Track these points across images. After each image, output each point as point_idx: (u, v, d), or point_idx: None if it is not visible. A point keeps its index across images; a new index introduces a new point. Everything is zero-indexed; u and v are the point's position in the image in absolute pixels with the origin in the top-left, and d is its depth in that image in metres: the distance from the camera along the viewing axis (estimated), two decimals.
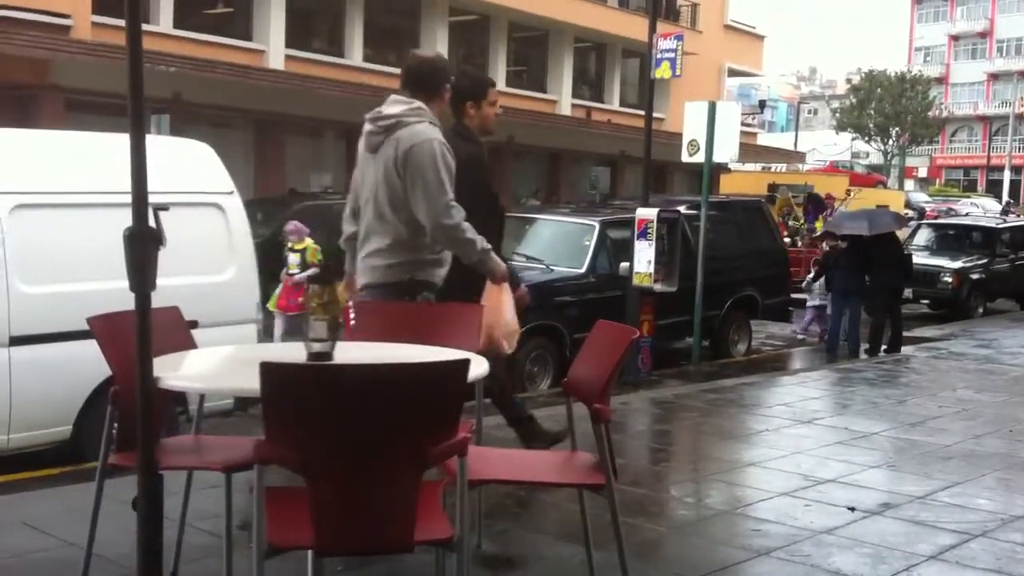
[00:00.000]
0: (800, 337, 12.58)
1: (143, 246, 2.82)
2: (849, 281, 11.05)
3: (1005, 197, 46.48)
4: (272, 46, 20.76)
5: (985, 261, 16.09)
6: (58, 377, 5.36)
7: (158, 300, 2.92)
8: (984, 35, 67.28)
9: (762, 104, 40.26)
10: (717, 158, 10.15)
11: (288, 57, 20.93)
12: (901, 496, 5.01)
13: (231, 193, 6.37)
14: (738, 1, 33.06)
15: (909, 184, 57.41)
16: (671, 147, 13.02)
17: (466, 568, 2.67)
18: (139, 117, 2.83)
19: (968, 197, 45.49)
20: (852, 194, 26.11)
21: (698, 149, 10.07)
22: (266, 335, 7.66)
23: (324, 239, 10.75)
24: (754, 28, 34.42)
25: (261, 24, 20.93)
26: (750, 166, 33.06)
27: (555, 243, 9.64)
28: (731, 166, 25.11)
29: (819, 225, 20.24)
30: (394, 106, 4.10)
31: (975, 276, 15.63)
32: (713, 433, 6.73)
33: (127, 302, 2.87)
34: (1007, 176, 50.21)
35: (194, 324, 3.98)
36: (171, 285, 3.48)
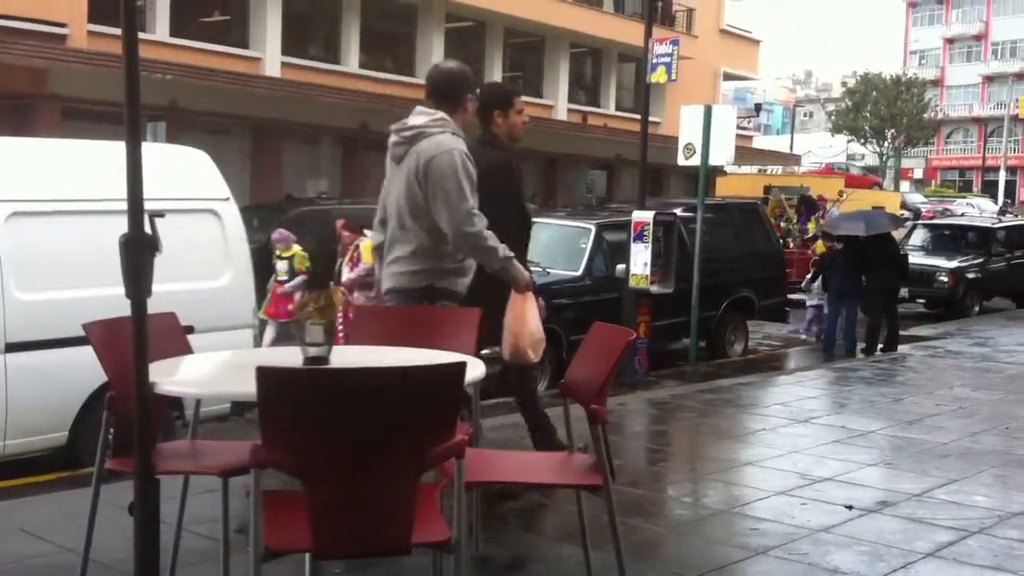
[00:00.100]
0: (803, 337, 12.57)
1: (139, 252, 2.83)
2: (845, 281, 11.07)
3: (1001, 198, 46.57)
4: (268, 53, 20.79)
5: (981, 260, 16.11)
6: (54, 383, 5.36)
7: (154, 306, 2.93)
8: (979, 38, 67.40)
9: (758, 107, 40.39)
10: (713, 161, 10.18)
11: (284, 64, 20.96)
12: (898, 494, 5.02)
13: (227, 199, 6.38)
14: (733, 5, 33.14)
15: (905, 186, 57.46)
16: (667, 151, 13.05)
17: (464, 570, 2.67)
18: (135, 125, 2.84)
19: (964, 197, 45.55)
20: (845, 195, 26.13)
21: (694, 152, 10.09)
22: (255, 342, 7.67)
23: (316, 245, 10.79)
24: (749, 32, 34.51)
25: (257, 32, 20.96)
26: (746, 169, 33.13)
27: (552, 246, 9.65)
28: (727, 169, 25.18)
29: (811, 227, 20.27)
30: (418, 117, 4.16)
31: (971, 275, 15.65)
32: (710, 433, 6.74)
33: (123, 308, 2.87)
34: (1002, 177, 50.28)
35: (190, 329, 4.00)
36: (167, 291, 3.48)
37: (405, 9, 24.25)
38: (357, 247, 9.87)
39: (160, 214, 3.08)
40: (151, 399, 2.91)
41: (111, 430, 3.28)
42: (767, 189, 26.80)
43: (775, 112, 75.58)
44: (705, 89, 29.58)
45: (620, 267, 9.19)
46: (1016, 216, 27.62)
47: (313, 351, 3.07)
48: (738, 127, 17.13)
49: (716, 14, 32.28)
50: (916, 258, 14.50)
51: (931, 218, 26.30)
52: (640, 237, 9.00)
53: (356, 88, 20.67)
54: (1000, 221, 19.63)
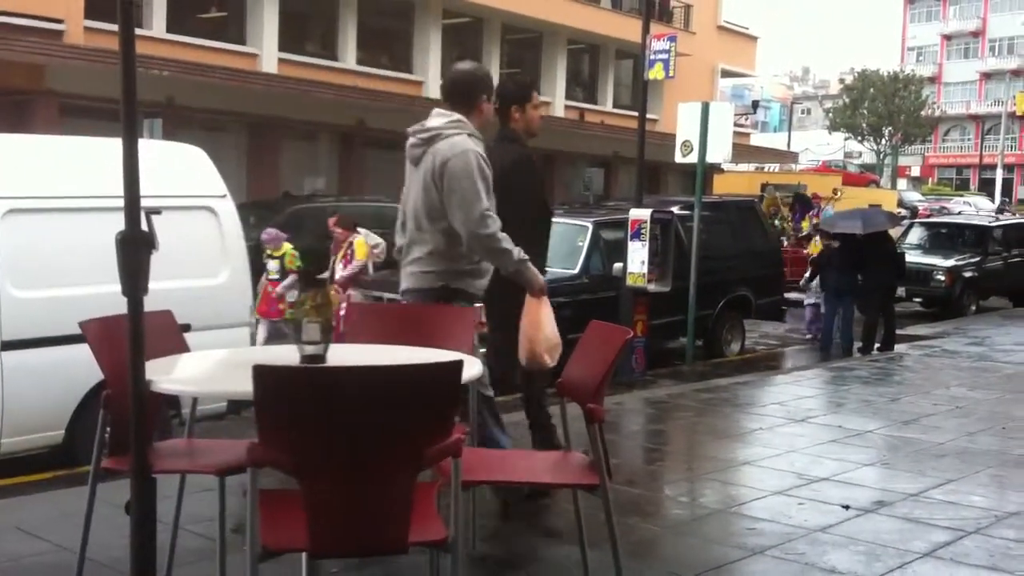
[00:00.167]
0: (807, 336, 12.55)
1: (135, 250, 2.82)
2: (842, 280, 11.08)
3: (998, 196, 46.63)
4: (265, 50, 20.75)
5: (978, 259, 16.14)
6: (50, 381, 5.36)
7: (151, 304, 2.92)
8: (976, 34, 67.48)
9: (755, 104, 40.37)
10: (710, 159, 10.17)
11: (281, 61, 20.92)
12: (895, 494, 5.03)
13: (224, 197, 6.37)
14: (731, 2, 33.15)
15: (902, 183, 57.50)
16: (664, 148, 13.04)
17: (460, 569, 2.67)
18: (132, 121, 2.83)
19: (961, 196, 45.61)
20: (839, 193, 26.15)
21: (691, 150, 10.09)
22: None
23: (313, 242, 10.78)
24: (747, 29, 34.50)
25: (254, 28, 20.93)
26: (743, 166, 33.14)
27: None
28: (724, 166, 25.19)
29: (805, 225, 20.26)
30: (435, 119, 4.18)
31: (968, 274, 15.68)
32: (707, 432, 6.74)
33: (119, 306, 2.86)
34: (999, 175, 50.35)
35: (187, 327, 3.99)
36: (164, 289, 3.48)
37: (402, 5, 24.22)
38: (351, 244, 9.86)
39: (157, 211, 3.07)
40: (147, 397, 2.90)
41: (107, 428, 3.27)
42: (764, 187, 26.82)
43: (772, 109, 75.60)
44: (703, 86, 29.58)
45: (617, 265, 9.19)
46: (1015, 214, 27.65)
47: (310, 349, 3.06)
48: (735, 124, 17.14)
49: (713, 10, 32.27)
50: (913, 257, 14.52)
51: (928, 216, 26.34)
52: (637, 235, 9.00)
53: (353, 85, 20.64)
54: (998, 219, 19.64)
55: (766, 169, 33.87)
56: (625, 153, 23.68)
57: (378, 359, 3.28)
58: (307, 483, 2.48)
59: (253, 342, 6.51)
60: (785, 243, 18.81)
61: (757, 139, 42.52)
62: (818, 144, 58.62)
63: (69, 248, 5.47)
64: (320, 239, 10.64)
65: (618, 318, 8.47)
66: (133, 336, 2.82)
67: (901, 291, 13.40)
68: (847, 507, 4.74)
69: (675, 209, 9.92)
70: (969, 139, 65.80)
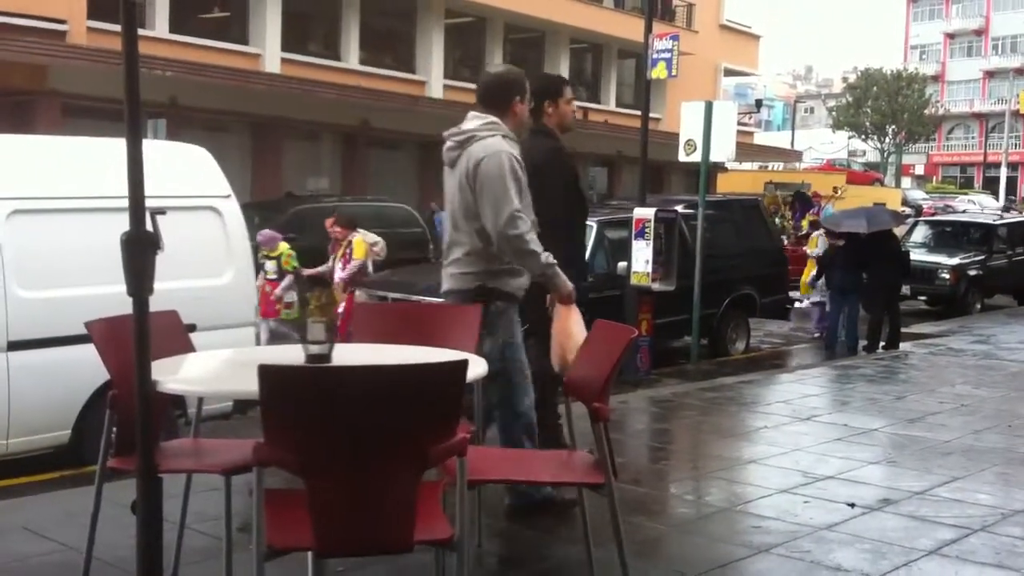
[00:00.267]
0: (816, 335, 12.53)
1: (140, 250, 2.82)
2: (847, 278, 11.06)
3: (1002, 194, 46.54)
4: (268, 50, 20.77)
5: (982, 257, 16.11)
6: (57, 381, 5.36)
7: (156, 304, 2.92)
8: (980, 33, 67.35)
9: (758, 103, 40.27)
10: (714, 157, 10.16)
11: (284, 61, 20.94)
12: (901, 492, 5.02)
13: (228, 197, 6.37)
14: (733, 1, 33.09)
15: (906, 182, 57.46)
16: (668, 147, 13.03)
17: (466, 568, 2.67)
18: (135, 122, 2.84)
19: (965, 194, 45.53)
20: (839, 192, 26.13)
21: (695, 149, 10.07)
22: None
23: (317, 242, 10.79)
24: (750, 28, 34.46)
25: (257, 28, 20.95)
26: (747, 165, 33.11)
27: None
28: (728, 165, 25.16)
29: (805, 223, 20.22)
30: (470, 122, 4.20)
31: (972, 272, 15.64)
32: (712, 431, 6.74)
33: (125, 306, 2.87)
34: (1003, 173, 50.24)
35: (192, 327, 3.99)
36: (169, 289, 3.48)
37: (405, 5, 24.22)
38: (350, 243, 9.83)
39: (162, 211, 3.08)
40: (153, 397, 2.90)
41: (114, 428, 3.28)
42: (767, 186, 26.81)
43: (776, 108, 75.54)
44: (706, 85, 29.57)
45: (621, 264, 9.18)
46: (1021, 212, 27.59)
47: (315, 349, 3.06)
48: (739, 123, 17.12)
49: (716, 9, 32.24)
50: (918, 255, 14.49)
51: (932, 215, 26.30)
52: (641, 234, 8.99)
53: (356, 85, 20.65)
54: (1002, 217, 19.60)
55: (770, 168, 33.85)
56: (628, 152, 23.68)
57: (383, 359, 3.28)
58: (312, 482, 2.49)
59: (258, 342, 6.51)
60: (785, 242, 18.79)
61: (760, 138, 42.48)
62: (822, 143, 58.54)
63: (74, 248, 5.48)
64: (324, 239, 10.64)
65: (623, 317, 8.46)
66: (139, 336, 2.82)
67: (906, 289, 13.37)
68: (853, 505, 4.74)
69: (679, 208, 9.90)
70: (973, 137, 65.68)
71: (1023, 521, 4.58)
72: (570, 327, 4.02)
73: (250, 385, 2.45)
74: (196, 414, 3.81)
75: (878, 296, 11.05)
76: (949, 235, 17.37)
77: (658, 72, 10.57)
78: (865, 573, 3.85)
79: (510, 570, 3.99)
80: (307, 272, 10.19)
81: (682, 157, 10.28)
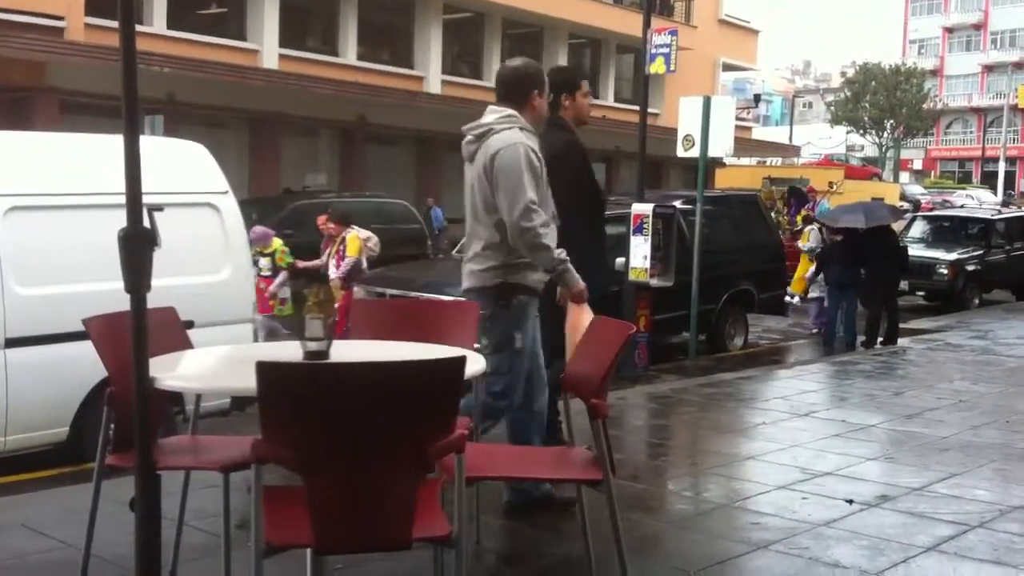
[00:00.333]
0: (814, 331, 12.53)
1: (138, 247, 2.82)
2: (845, 274, 11.07)
3: (1000, 188, 46.54)
4: (266, 46, 20.75)
5: (980, 252, 16.12)
6: (54, 378, 5.36)
7: (154, 300, 2.92)
8: (978, 27, 67.32)
9: (757, 98, 40.35)
10: (712, 153, 10.15)
11: (282, 56, 20.92)
12: (899, 488, 5.02)
13: (226, 193, 6.36)
14: None
15: (904, 176, 57.47)
16: (666, 142, 13.03)
17: (464, 565, 2.67)
18: (133, 118, 2.83)
19: (963, 189, 45.54)
20: (835, 187, 26.14)
21: (693, 144, 10.07)
22: None
23: (318, 237, 10.77)
24: (748, 23, 34.45)
25: (255, 24, 20.92)
26: (745, 160, 33.13)
27: None
28: (726, 160, 25.10)
29: (800, 219, 20.23)
30: (488, 115, 4.22)
31: (970, 267, 15.66)
32: (711, 427, 6.74)
33: (123, 303, 2.86)
34: (1002, 168, 50.27)
35: (190, 324, 3.99)
36: (167, 285, 3.48)
37: (403, 1, 24.18)
38: (343, 240, 9.78)
39: (159, 208, 3.07)
40: (151, 394, 2.90)
41: (112, 425, 3.27)
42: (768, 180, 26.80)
43: (774, 103, 75.56)
44: (704, 80, 29.54)
45: (619, 260, 9.18)
46: (1021, 207, 27.59)
47: (313, 346, 3.06)
48: (737, 118, 17.16)
49: (715, 4, 32.22)
50: (916, 250, 14.50)
51: (931, 210, 26.30)
52: (639, 230, 8.98)
53: (354, 80, 20.63)
54: (1000, 212, 19.61)
55: (768, 163, 33.84)
56: (627, 148, 23.65)
57: (381, 355, 3.28)
58: (311, 479, 2.49)
59: (256, 338, 6.51)
60: (781, 237, 18.78)
61: (759, 133, 42.49)
62: (820, 138, 58.55)
63: (72, 245, 5.47)
64: (320, 235, 10.63)
65: (621, 313, 8.46)
66: (136, 333, 2.82)
67: (904, 285, 13.38)
68: (851, 501, 4.74)
69: (677, 203, 9.89)
70: (971, 132, 65.70)
71: (1021, 517, 4.58)
72: (581, 324, 4.02)
73: (248, 382, 2.45)
74: (194, 411, 3.81)
75: (876, 291, 11.06)
76: (947, 230, 17.38)
77: (656, 67, 10.55)
78: (863, 570, 3.86)
79: (509, 567, 3.99)
80: (301, 264, 10.17)
81: (680, 152, 10.28)
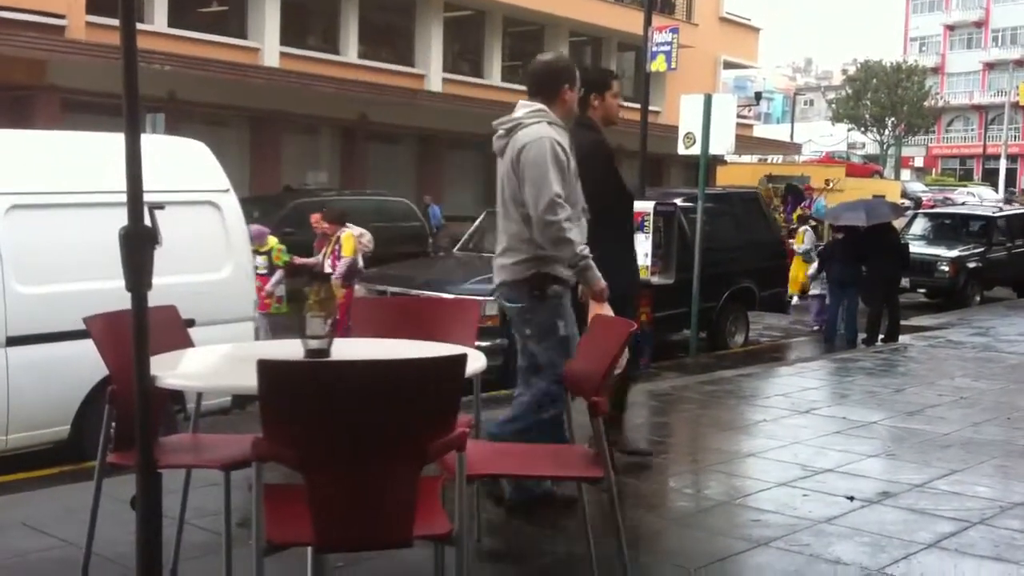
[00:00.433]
0: (815, 328, 12.53)
1: (139, 245, 2.82)
2: (846, 271, 11.06)
3: (1002, 186, 46.49)
4: (267, 43, 20.74)
5: (982, 250, 16.11)
6: (55, 377, 5.36)
7: (155, 299, 2.92)
8: (979, 24, 67.23)
9: (758, 96, 40.31)
10: (713, 150, 10.15)
11: (283, 54, 20.91)
12: (900, 485, 5.02)
13: (227, 191, 6.36)
14: None
15: (905, 174, 57.41)
16: (667, 140, 13.02)
17: (465, 563, 2.68)
18: (134, 116, 2.83)
19: (964, 186, 45.49)
20: (832, 184, 26.15)
21: (694, 142, 10.07)
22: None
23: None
24: (749, 20, 34.39)
25: (256, 22, 20.91)
26: (747, 158, 33.06)
27: None
28: (727, 158, 25.06)
29: (795, 217, 20.24)
30: (517, 110, 4.23)
31: (972, 265, 15.65)
32: (711, 424, 6.74)
33: (124, 301, 2.87)
34: (1003, 165, 50.19)
35: (191, 323, 3.99)
36: (167, 284, 3.48)
37: None
38: (338, 239, 9.74)
39: (160, 206, 3.08)
40: (152, 393, 2.90)
41: (113, 424, 3.28)
42: (769, 178, 26.79)
43: (775, 101, 75.50)
44: (705, 77, 29.51)
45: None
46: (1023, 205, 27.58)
47: (314, 344, 3.06)
48: (738, 116, 17.12)
49: (715, 1, 32.18)
50: (917, 247, 14.49)
51: (932, 207, 26.28)
52: (640, 227, 8.97)
53: (355, 78, 20.62)
54: (1001, 209, 19.60)
55: (769, 161, 33.80)
56: (628, 145, 23.57)
57: (382, 353, 3.28)
58: (312, 477, 2.49)
59: (257, 337, 6.51)
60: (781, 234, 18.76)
61: (760, 131, 42.44)
62: (821, 135, 58.46)
63: (73, 244, 5.47)
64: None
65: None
66: (137, 331, 2.82)
67: (905, 282, 13.37)
68: (852, 498, 4.74)
69: (678, 201, 9.88)
70: (972, 129, 65.62)
71: (1022, 514, 4.58)
72: None
73: (249, 380, 2.45)
74: (195, 409, 3.81)
75: (877, 289, 11.05)
76: (948, 227, 17.37)
77: (657, 65, 10.56)
78: (864, 566, 3.86)
79: (510, 565, 3.99)
80: (298, 261, 10.15)
81: (681, 150, 10.27)
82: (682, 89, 13.62)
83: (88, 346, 3.34)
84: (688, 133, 10.13)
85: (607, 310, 4.05)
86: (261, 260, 9.92)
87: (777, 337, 12.50)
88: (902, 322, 11.32)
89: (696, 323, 9.97)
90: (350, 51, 22.70)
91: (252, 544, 2.50)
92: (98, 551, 3.41)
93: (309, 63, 20.99)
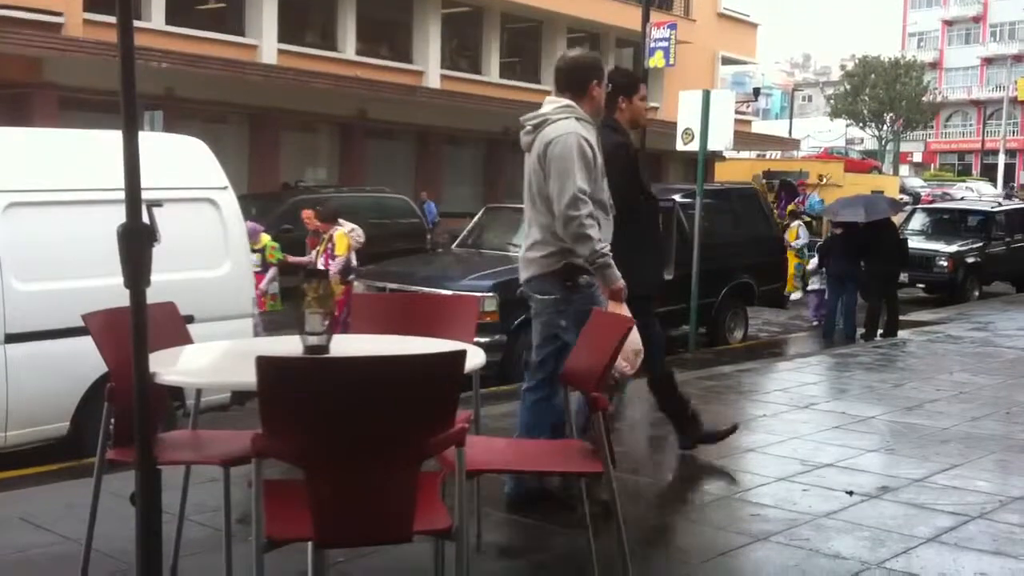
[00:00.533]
0: (815, 323, 12.53)
1: (137, 242, 2.82)
2: (845, 267, 11.07)
3: (1000, 181, 46.51)
4: (265, 40, 20.71)
5: (980, 245, 16.12)
6: (55, 374, 5.36)
7: (153, 296, 2.92)
8: (977, 20, 67.23)
9: (756, 92, 40.21)
10: (712, 146, 10.14)
11: (281, 51, 20.87)
12: (899, 479, 5.03)
13: (225, 188, 6.36)
14: None
15: (904, 169, 57.42)
16: (666, 136, 13.01)
17: (465, 558, 2.68)
18: (132, 114, 2.83)
19: (963, 181, 45.52)
20: (824, 179, 26.17)
21: (693, 137, 10.06)
22: None
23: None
24: (747, 16, 34.37)
25: (253, 19, 20.87)
26: (745, 154, 33.06)
27: None
28: (726, 154, 25.11)
29: (788, 212, 20.24)
30: (545, 106, 4.26)
31: (970, 260, 15.66)
32: (711, 420, 6.71)
33: (122, 298, 2.87)
34: (1001, 160, 50.24)
35: (190, 319, 3.99)
36: (166, 280, 3.48)
37: None
38: (331, 237, 9.71)
39: (158, 203, 3.08)
40: (151, 389, 2.90)
41: (112, 420, 3.28)
42: (767, 174, 26.81)
43: (774, 96, 75.44)
44: (703, 73, 29.51)
45: None
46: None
47: (313, 340, 3.07)
48: (736, 112, 17.10)
49: None
50: (915, 243, 14.50)
51: (930, 202, 26.29)
52: None
53: (353, 75, 20.60)
54: (1000, 204, 19.61)
55: (768, 156, 33.80)
56: None
57: (381, 349, 3.28)
58: (311, 473, 2.49)
59: (256, 333, 6.51)
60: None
61: (758, 126, 42.40)
62: (819, 131, 58.50)
63: (72, 241, 5.47)
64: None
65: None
66: (136, 328, 2.82)
67: (904, 277, 13.38)
68: (851, 493, 4.75)
69: (677, 197, 9.89)
70: (971, 125, 65.62)
71: (1021, 508, 4.59)
72: None
73: (248, 376, 2.45)
74: (194, 405, 3.81)
75: (876, 284, 11.06)
76: (947, 223, 17.38)
77: (656, 61, 10.58)
78: (864, 560, 3.87)
79: (510, 560, 4.00)
80: (292, 259, 10.14)
81: (680, 146, 10.27)
82: (680, 85, 13.62)
83: (87, 343, 3.34)
84: (687, 129, 10.13)
85: (624, 310, 4.05)
86: (255, 258, 9.92)
87: (776, 332, 12.51)
88: (901, 317, 11.33)
89: (695, 319, 9.97)
90: (348, 48, 22.67)
91: (252, 540, 2.50)
92: (98, 547, 3.41)
93: (307, 60, 20.96)
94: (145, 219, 2.85)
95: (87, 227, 5.33)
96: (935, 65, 66.89)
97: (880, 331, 10.90)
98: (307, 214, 10.37)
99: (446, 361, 2.56)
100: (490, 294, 8.07)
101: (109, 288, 3.28)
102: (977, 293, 15.70)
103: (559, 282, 4.15)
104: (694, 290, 9.77)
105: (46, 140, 6.17)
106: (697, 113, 9.96)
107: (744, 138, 29.28)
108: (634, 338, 3.92)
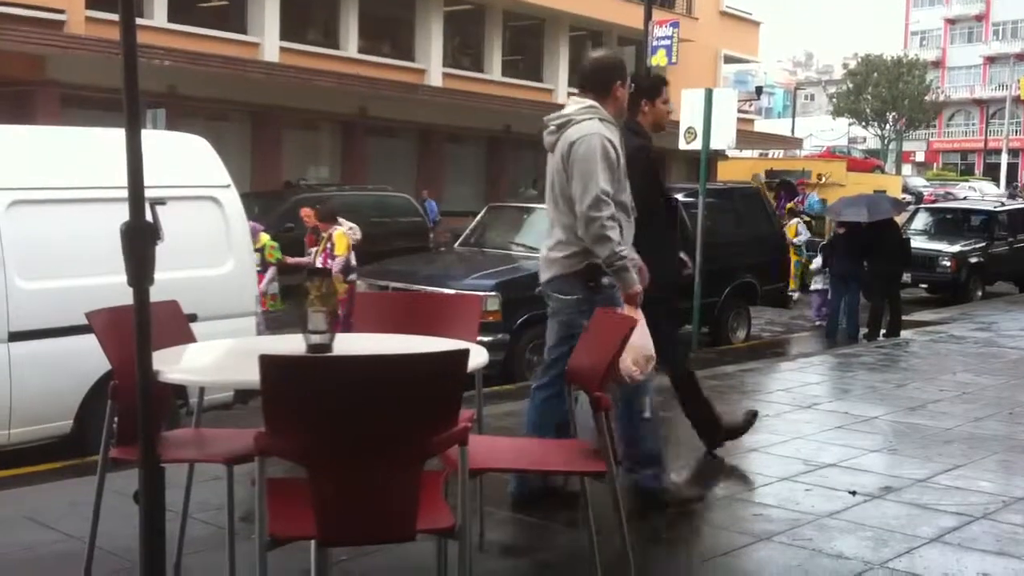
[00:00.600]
0: (817, 323, 12.53)
1: (141, 240, 2.82)
2: (848, 267, 11.06)
3: (1003, 180, 46.45)
4: (267, 39, 20.71)
5: (983, 245, 16.10)
6: (58, 372, 5.36)
7: (157, 294, 2.92)
8: (980, 18, 67.14)
9: (759, 90, 40.15)
10: (714, 145, 10.14)
11: (283, 49, 20.88)
12: (902, 479, 5.02)
13: (228, 186, 6.36)
14: None
15: (906, 168, 57.36)
16: (668, 135, 12.95)
17: (468, 557, 2.68)
18: (134, 112, 2.82)
19: (966, 181, 45.47)
20: (823, 179, 26.15)
21: (695, 136, 10.06)
22: None
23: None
24: (750, 14, 34.35)
25: (255, 17, 20.88)
26: (747, 153, 33.03)
27: None
28: (728, 153, 25.11)
29: (787, 210, 20.20)
30: (569, 106, 4.27)
31: (973, 260, 15.64)
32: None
33: (126, 296, 2.86)
34: (1004, 159, 50.16)
35: (193, 317, 3.99)
36: (169, 279, 3.48)
37: None
38: (330, 237, 9.70)
39: (162, 201, 3.08)
40: (155, 387, 2.90)
41: (116, 419, 3.28)
42: (769, 173, 26.77)
43: (776, 95, 75.37)
44: (706, 72, 29.49)
45: None
46: None
47: (316, 339, 3.06)
48: (739, 110, 17.08)
49: None
50: (918, 242, 14.48)
51: (933, 202, 26.26)
52: None
53: (355, 73, 20.61)
54: (1003, 204, 19.60)
55: (770, 155, 33.78)
56: None
57: (384, 348, 3.28)
58: (314, 472, 2.49)
59: (259, 332, 6.52)
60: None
61: (761, 125, 42.37)
62: (822, 130, 58.44)
63: (75, 239, 5.47)
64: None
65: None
66: (140, 326, 2.81)
67: (907, 277, 13.37)
68: (854, 493, 4.74)
69: (679, 196, 9.88)
70: (973, 124, 65.55)
71: None
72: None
73: (251, 375, 2.45)
74: (198, 404, 3.82)
75: (879, 284, 11.05)
76: (950, 222, 17.36)
77: (658, 59, 10.57)
78: (867, 561, 3.86)
79: (513, 559, 3.99)
80: (291, 260, 10.13)
81: (682, 145, 10.26)
82: (683, 84, 13.59)
83: (90, 341, 3.34)
84: (689, 128, 10.12)
85: (638, 315, 4.03)
86: (254, 258, 9.92)
87: (779, 332, 12.51)
88: (904, 317, 11.32)
89: (698, 318, 9.97)
90: (350, 46, 22.68)
91: (255, 538, 2.50)
92: (102, 545, 3.41)
93: (309, 58, 20.97)
94: (148, 217, 2.85)
95: (90, 225, 5.33)
96: (938, 64, 66.83)
97: (883, 331, 10.89)
98: (306, 212, 10.37)
99: (449, 360, 2.56)
100: (493, 293, 8.07)
101: (112, 286, 3.27)
102: (980, 293, 15.68)
103: (581, 282, 4.15)
104: (697, 289, 9.76)
105: (49, 138, 6.17)
106: (700, 112, 9.95)
107: (747, 137, 29.27)
108: (646, 343, 3.94)
